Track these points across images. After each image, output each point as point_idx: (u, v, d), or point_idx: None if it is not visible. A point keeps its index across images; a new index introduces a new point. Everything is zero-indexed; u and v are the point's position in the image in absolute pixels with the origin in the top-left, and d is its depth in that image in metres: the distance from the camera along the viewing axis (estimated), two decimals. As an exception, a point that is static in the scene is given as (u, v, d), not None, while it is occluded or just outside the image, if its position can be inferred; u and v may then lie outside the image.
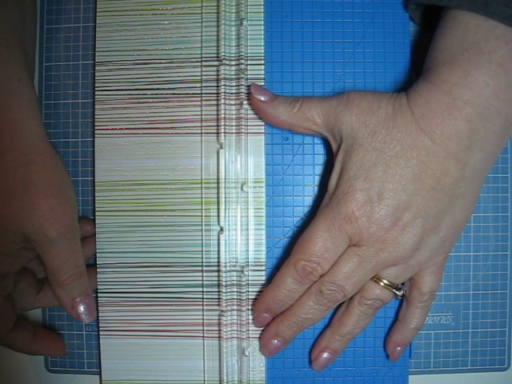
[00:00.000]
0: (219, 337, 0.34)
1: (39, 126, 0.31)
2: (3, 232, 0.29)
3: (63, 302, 0.32)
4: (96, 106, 0.34)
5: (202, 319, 0.35)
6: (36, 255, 0.32)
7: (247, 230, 0.34)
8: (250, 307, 0.34)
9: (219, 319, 0.34)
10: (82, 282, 0.32)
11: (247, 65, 0.34)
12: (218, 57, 0.34)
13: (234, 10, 0.34)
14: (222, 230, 0.34)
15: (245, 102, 0.33)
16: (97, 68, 0.34)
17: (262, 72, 0.34)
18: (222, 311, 0.34)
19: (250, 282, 0.34)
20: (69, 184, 0.32)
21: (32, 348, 0.34)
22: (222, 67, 0.33)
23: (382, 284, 0.30)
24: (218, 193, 0.34)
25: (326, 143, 0.34)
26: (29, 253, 0.31)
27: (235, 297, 0.34)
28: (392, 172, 0.28)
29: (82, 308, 0.32)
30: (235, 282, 0.34)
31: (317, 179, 0.34)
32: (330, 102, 0.30)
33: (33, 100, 0.31)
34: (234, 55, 0.34)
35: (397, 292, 0.31)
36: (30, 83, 0.31)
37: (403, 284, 0.32)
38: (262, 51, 0.34)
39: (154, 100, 0.34)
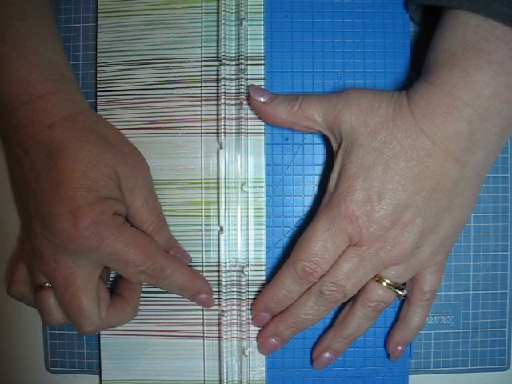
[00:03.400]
0: (219, 337, 0.34)
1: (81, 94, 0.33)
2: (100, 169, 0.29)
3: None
4: (98, 107, 0.34)
5: (202, 319, 0.35)
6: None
7: (247, 229, 0.34)
8: (249, 307, 0.34)
9: (219, 319, 0.34)
10: (167, 230, 0.34)
11: (247, 65, 0.34)
12: (217, 57, 0.34)
13: (234, 10, 0.34)
14: (221, 230, 0.34)
15: (245, 102, 0.33)
16: (98, 69, 0.34)
17: (262, 72, 0.34)
18: (222, 311, 0.34)
19: (249, 282, 0.34)
20: None
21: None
22: (222, 67, 0.33)
23: (384, 284, 0.31)
24: (218, 193, 0.34)
25: (326, 143, 0.34)
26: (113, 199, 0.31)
27: (235, 297, 0.34)
28: (392, 172, 0.28)
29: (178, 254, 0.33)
30: (235, 282, 0.34)
31: (317, 179, 0.34)
32: (330, 100, 0.30)
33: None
34: (234, 55, 0.34)
35: (399, 292, 0.31)
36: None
37: (405, 284, 0.32)
38: (262, 51, 0.34)
39: (154, 100, 0.34)
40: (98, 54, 0.34)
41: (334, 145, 0.31)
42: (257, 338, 0.34)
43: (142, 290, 0.34)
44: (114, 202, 0.30)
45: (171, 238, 0.33)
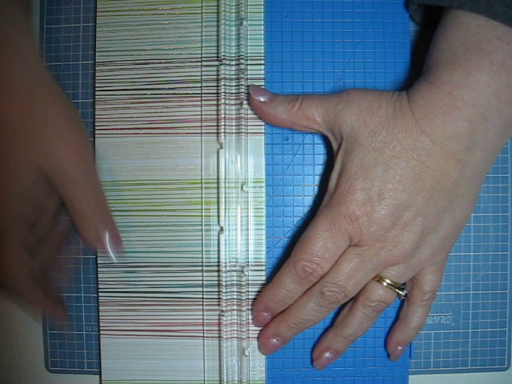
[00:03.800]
0: (219, 337, 0.34)
1: (39, 57, 0.30)
2: (19, 168, 0.29)
3: (87, 237, 0.31)
4: (96, 106, 0.34)
5: (202, 319, 0.35)
6: (49, 199, 0.31)
7: (247, 229, 0.34)
8: (250, 307, 0.34)
9: (219, 319, 0.34)
10: (105, 214, 0.32)
11: (247, 65, 0.34)
12: (217, 57, 0.34)
13: (234, 10, 0.34)
14: (222, 230, 0.34)
15: (245, 102, 0.33)
16: (97, 68, 0.34)
17: (262, 72, 0.34)
18: (222, 311, 0.34)
19: (249, 282, 0.34)
20: (79, 116, 0.31)
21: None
22: (222, 67, 0.33)
23: (384, 284, 0.31)
24: (218, 193, 0.34)
25: (326, 143, 0.34)
26: (43, 194, 0.30)
27: (235, 297, 0.34)
28: (392, 172, 0.28)
29: (107, 240, 0.32)
30: (235, 282, 0.34)
31: (317, 179, 0.34)
32: (330, 100, 0.30)
33: (29, 33, 0.30)
34: (234, 55, 0.34)
35: (400, 292, 0.31)
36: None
37: (405, 284, 0.32)
38: (262, 51, 0.34)
39: (154, 100, 0.34)
40: (97, 54, 0.34)
41: (334, 145, 0.31)
42: (257, 338, 0.34)
43: (142, 290, 0.34)
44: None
45: (109, 221, 0.32)
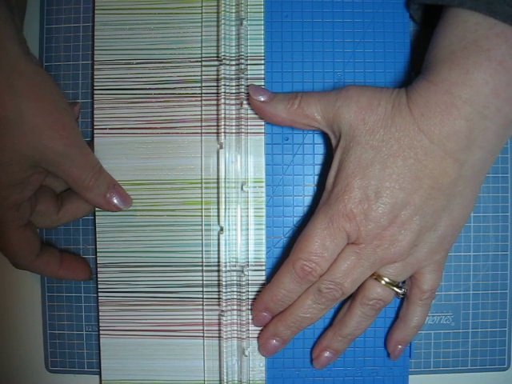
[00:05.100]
0: (219, 337, 0.34)
1: (16, 45, 0.29)
2: (8, 164, 0.29)
3: (97, 203, 0.33)
4: (95, 106, 0.34)
5: (202, 319, 0.35)
6: (46, 175, 0.32)
7: (247, 229, 0.34)
8: (250, 307, 0.34)
9: (219, 319, 0.34)
10: (105, 177, 0.33)
11: (247, 65, 0.34)
12: (218, 57, 0.34)
13: (234, 10, 0.34)
14: (222, 230, 0.34)
15: (245, 102, 0.33)
16: (96, 67, 0.34)
17: (262, 72, 0.34)
18: (222, 311, 0.34)
19: (249, 282, 0.34)
20: (59, 95, 0.31)
21: (59, 273, 0.34)
22: (222, 67, 0.33)
23: (382, 282, 0.31)
24: (218, 193, 0.34)
25: (326, 143, 0.34)
26: (39, 175, 0.31)
27: (235, 297, 0.34)
28: (389, 171, 0.28)
29: (116, 200, 0.33)
30: (235, 282, 0.34)
31: (317, 179, 0.34)
32: (329, 97, 0.30)
33: (5, 18, 0.28)
34: (234, 55, 0.34)
35: (398, 290, 0.31)
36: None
37: (404, 282, 0.32)
38: (262, 51, 0.34)
39: (154, 100, 0.34)
40: (96, 53, 0.34)
41: (334, 142, 0.31)
42: (257, 338, 0.34)
43: (143, 290, 0.34)
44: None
45: (110, 182, 0.33)
